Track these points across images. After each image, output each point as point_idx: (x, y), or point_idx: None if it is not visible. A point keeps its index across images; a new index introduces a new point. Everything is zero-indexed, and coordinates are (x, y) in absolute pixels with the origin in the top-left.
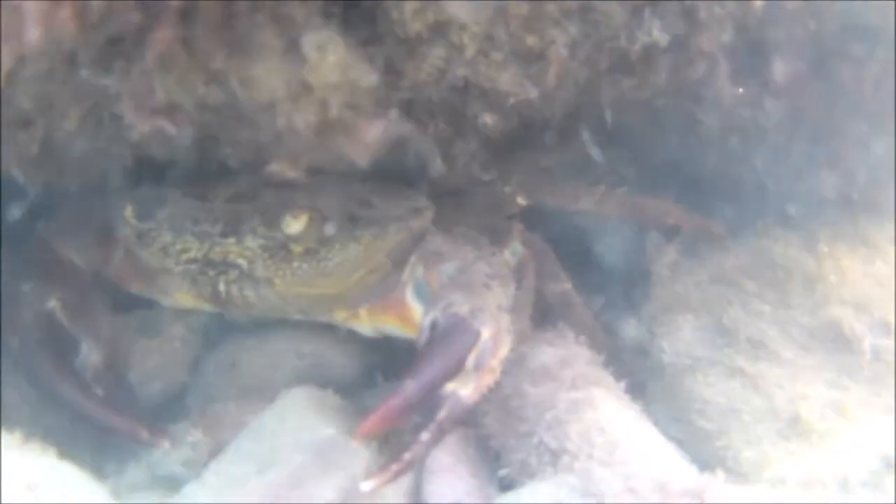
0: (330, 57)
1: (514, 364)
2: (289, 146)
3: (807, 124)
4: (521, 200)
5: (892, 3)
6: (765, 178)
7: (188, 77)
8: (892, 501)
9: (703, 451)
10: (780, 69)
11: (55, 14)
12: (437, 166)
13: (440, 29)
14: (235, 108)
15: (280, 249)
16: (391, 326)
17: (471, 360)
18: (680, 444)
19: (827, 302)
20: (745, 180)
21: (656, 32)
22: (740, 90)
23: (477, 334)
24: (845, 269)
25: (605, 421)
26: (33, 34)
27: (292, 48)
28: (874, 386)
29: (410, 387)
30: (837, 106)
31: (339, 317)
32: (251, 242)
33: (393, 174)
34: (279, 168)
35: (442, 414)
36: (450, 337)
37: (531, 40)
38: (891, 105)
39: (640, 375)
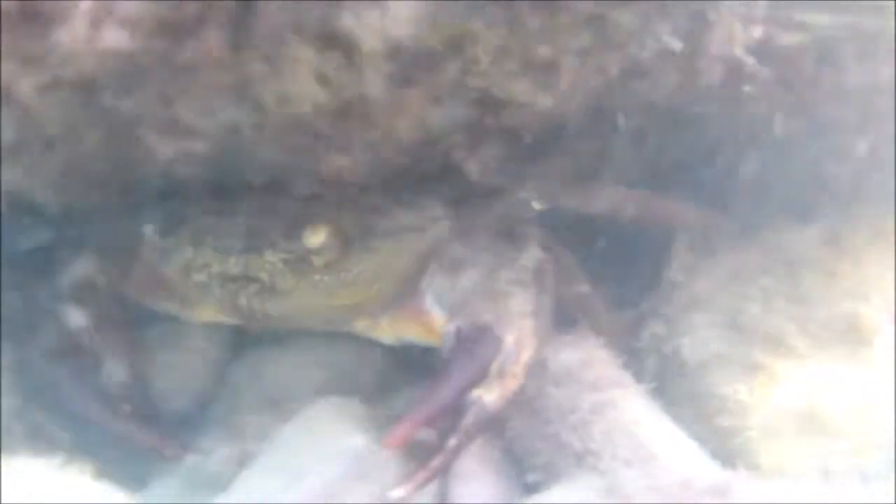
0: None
1: (537, 367)
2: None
3: (819, 119)
4: (537, 205)
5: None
6: (780, 173)
7: (213, 99)
8: (893, 502)
9: (724, 448)
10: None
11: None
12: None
13: (455, 42)
14: (263, 126)
15: (301, 262)
16: (412, 335)
17: (495, 367)
18: (701, 441)
19: (843, 296)
20: (759, 176)
21: (667, 38)
22: (748, 88)
23: (500, 341)
24: (862, 262)
25: (627, 421)
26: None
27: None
28: (892, 377)
29: (437, 395)
30: (849, 98)
31: (361, 326)
32: (272, 256)
33: (409, 184)
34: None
35: (468, 420)
36: (474, 345)
37: (544, 51)
38: None
39: (660, 374)
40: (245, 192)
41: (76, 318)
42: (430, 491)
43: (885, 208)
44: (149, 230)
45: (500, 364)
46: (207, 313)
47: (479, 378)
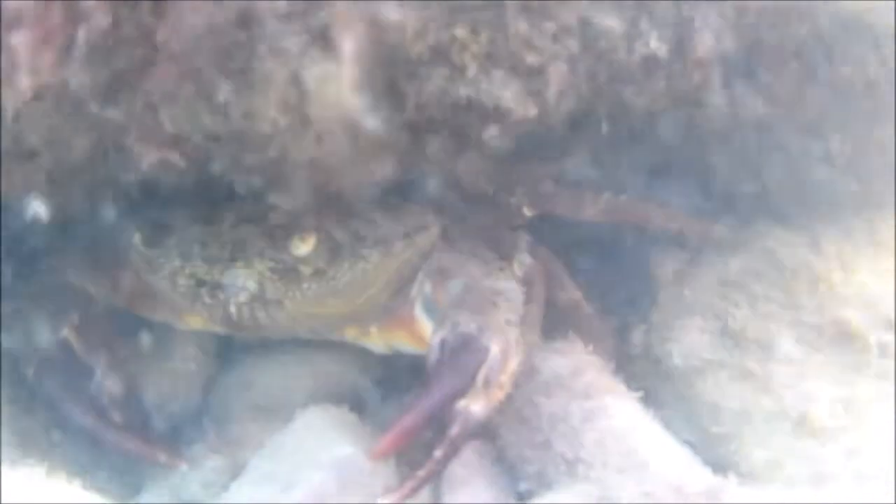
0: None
1: (527, 375)
2: (289, 177)
3: (807, 123)
4: (527, 211)
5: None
6: (767, 178)
7: (194, 109)
8: (893, 501)
9: (716, 454)
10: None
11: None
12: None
13: (441, 50)
14: (241, 137)
15: (289, 271)
16: (402, 343)
17: (481, 377)
18: (692, 447)
19: (833, 301)
20: (747, 182)
21: (654, 43)
22: (738, 92)
23: (486, 351)
24: (851, 267)
25: (618, 428)
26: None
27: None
28: (881, 382)
29: (421, 406)
30: (838, 104)
31: (351, 334)
32: (260, 265)
33: (398, 191)
34: (278, 200)
35: (454, 430)
36: (459, 355)
37: (531, 58)
38: (891, 101)
39: (650, 381)
40: (232, 201)
41: (66, 327)
42: (424, 497)
43: (876, 213)
44: (136, 239)
45: (487, 374)
46: (197, 322)
47: (465, 388)
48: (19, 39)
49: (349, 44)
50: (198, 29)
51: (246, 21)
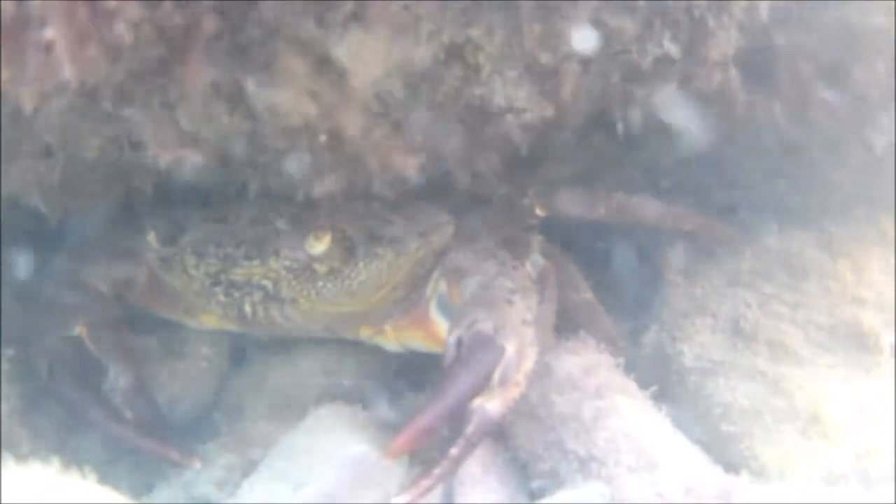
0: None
1: (539, 374)
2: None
3: (817, 125)
4: (540, 211)
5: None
6: (778, 179)
7: (212, 108)
8: (893, 502)
9: (727, 453)
10: (787, 73)
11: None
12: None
13: (456, 50)
14: (260, 135)
15: (304, 270)
16: (416, 342)
17: (496, 376)
18: (704, 446)
19: (843, 300)
20: (758, 182)
21: (667, 44)
22: (749, 95)
23: (501, 350)
24: (861, 266)
25: (630, 427)
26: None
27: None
28: (893, 382)
29: (438, 405)
30: (848, 105)
31: (365, 334)
32: (275, 264)
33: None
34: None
35: (470, 428)
36: (475, 354)
37: (545, 58)
38: None
39: (662, 380)
40: (247, 200)
41: (79, 325)
42: (436, 495)
43: (884, 213)
44: (151, 237)
45: (502, 372)
46: (211, 320)
47: (481, 387)
48: (39, 37)
49: None
50: None
51: None
